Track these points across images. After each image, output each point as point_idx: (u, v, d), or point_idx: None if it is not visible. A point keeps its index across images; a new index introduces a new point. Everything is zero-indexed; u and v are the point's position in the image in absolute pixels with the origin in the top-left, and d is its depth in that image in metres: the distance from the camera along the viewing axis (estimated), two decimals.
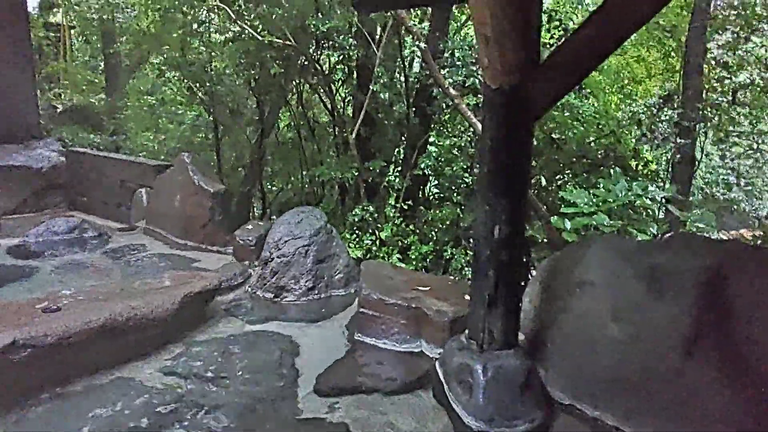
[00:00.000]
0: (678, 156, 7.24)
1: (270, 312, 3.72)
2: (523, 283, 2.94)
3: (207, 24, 7.28)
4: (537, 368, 2.54)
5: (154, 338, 3.13)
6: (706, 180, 10.21)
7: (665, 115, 7.51)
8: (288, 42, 6.04)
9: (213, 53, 7.66)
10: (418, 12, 7.32)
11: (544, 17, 6.51)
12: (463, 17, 8.00)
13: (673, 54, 9.91)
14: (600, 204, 4.54)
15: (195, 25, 6.94)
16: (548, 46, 6.18)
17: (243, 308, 3.78)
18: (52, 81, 12.31)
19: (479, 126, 4.64)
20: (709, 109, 7.51)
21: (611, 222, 4.40)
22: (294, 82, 7.73)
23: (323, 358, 3.07)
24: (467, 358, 2.44)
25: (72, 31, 13.38)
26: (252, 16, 6.20)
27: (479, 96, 5.55)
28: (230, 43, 7.25)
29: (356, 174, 6.25)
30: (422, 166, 6.16)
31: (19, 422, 2.38)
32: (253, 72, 7.25)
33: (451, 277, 4.30)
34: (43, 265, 4.45)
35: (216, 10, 6.64)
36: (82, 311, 2.93)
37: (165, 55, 7.90)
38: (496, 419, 2.22)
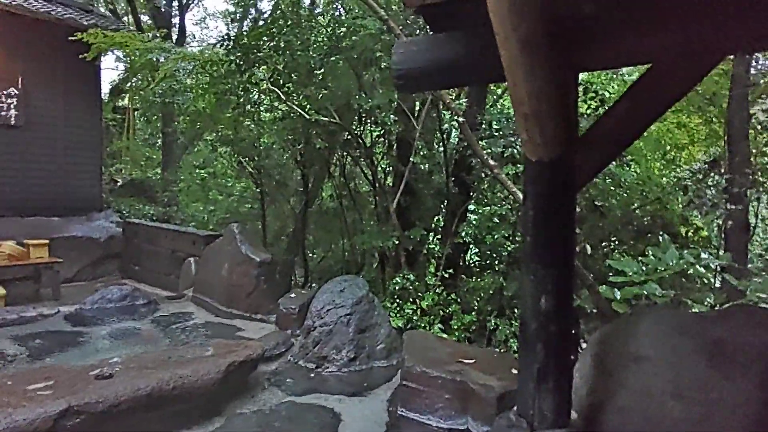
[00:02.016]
0: (730, 222, 6.96)
1: (311, 383, 3.69)
2: (573, 357, 2.82)
3: (258, 104, 7.84)
4: None
5: (198, 408, 3.14)
6: (766, 246, 9.70)
7: (712, 181, 7.33)
8: (333, 119, 6.41)
9: (262, 130, 8.18)
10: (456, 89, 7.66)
11: (580, 89, 6.69)
12: (500, 90, 8.29)
13: (714, 119, 9.81)
14: (650, 273, 4.38)
15: (248, 106, 7.48)
16: (585, 116, 6.28)
17: (285, 378, 3.76)
18: (114, 157, 13.35)
19: (519, 195, 4.69)
20: (759, 174, 7.29)
21: (663, 292, 4.22)
22: (337, 155, 8.09)
23: None
24: None
25: (135, 113, 14.65)
26: (300, 96, 6.66)
27: (518, 165, 5.63)
28: (279, 121, 7.74)
29: (396, 243, 6.32)
30: (462, 234, 6.18)
31: None
32: (299, 147, 7.66)
33: (497, 350, 4.17)
34: (97, 332, 4.63)
35: (267, 92, 7.17)
36: (131, 378, 3.00)
37: (218, 133, 8.49)
38: None
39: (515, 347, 4.68)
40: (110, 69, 16.26)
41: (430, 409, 3.06)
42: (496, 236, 5.75)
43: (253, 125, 8.17)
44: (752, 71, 7.70)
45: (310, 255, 10.11)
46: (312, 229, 9.77)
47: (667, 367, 2.36)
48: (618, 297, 4.33)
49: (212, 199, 11.32)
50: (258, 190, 9.19)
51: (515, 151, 5.75)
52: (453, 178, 6.97)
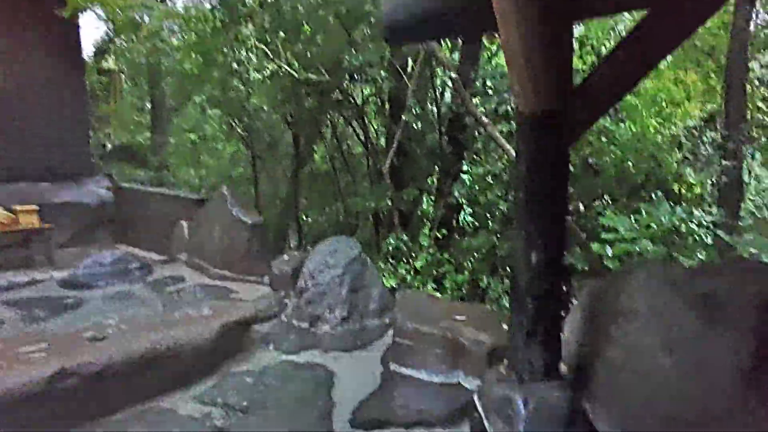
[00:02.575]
0: (724, 179, 6.95)
1: (305, 341, 3.72)
2: (563, 313, 2.84)
3: (246, 63, 7.62)
4: (581, 401, 2.42)
5: (192, 368, 3.17)
6: (756, 203, 9.74)
7: (708, 137, 7.27)
8: (323, 77, 6.24)
9: (251, 90, 7.98)
10: (449, 43, 7.45)
11: (576, 44, 6.51)
12: (494, 47, 8.08)
13: (712, 75, 9.65)
14: (642, 230, 4.39)
15: (234, 65, 7.27)
16: (581, 72, 6.14)
17: (279, 338, 3.79)
18: (103, 122, 13.07)
19: (513, 153, 4.62)
20: (755, 129, 7.22)
21: (655, 248, 4.23)
22: (328, 116, 7.94)
23: (358, 390, 3.03)
24: (507, 390, 2.35)
25: (122, 75, 14.26)
26: (288, 54, 6.46)
27: (512, 123, 5.54)
28: (267, 81, 7.55)
29: (390, 204, 6.28)
30: (456, 194, 6.14)
31: None
32: (288, 107, 7.50)
33: (488, 307, 4.20)
34: (91, 296, 4.63)
35: (254, 50, 6.95)
36: (125, 341, 3.01)
37: (206, 94, 8.28)
38: None
39: (507, 305, 4.72)
40: (93, 29, 15.65)
41: (422, 364, 3.10)
42: (489, 196, 5.72)
43: (241, 85, 7.96)
44: (752, 23, 7.51)
45: (304, 218, 10.09)
46: (305, 192, 9.72)
47: (657, 322, 2.37)
48: (609, 254, 4.34)
49: (203, 163, 11.19)
50: (249, 152, 9.06)
51: (509, 108, 5.65)
52: (446, 138, 6.87)
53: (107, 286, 5.05)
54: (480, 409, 2.53)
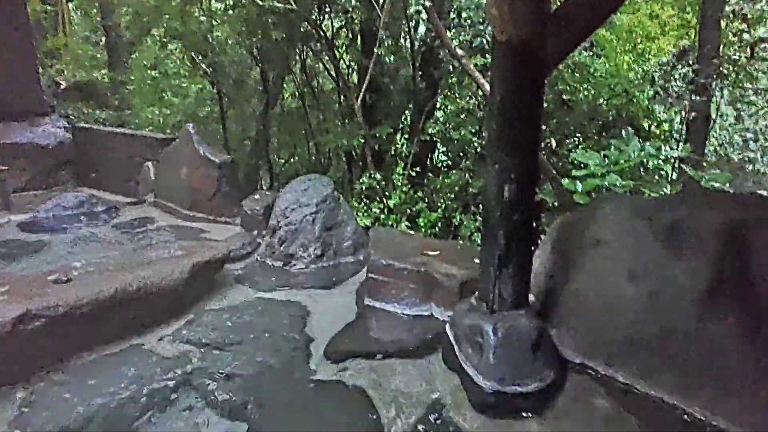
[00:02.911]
0: (692, 114, 7.03)
1: (279, 280, 3.72)
2: (533, 246, 2.89)
3: None
4: (548, 328, 2.52)
5: (165, 308, 3.15)
6: (721, 142, 9.97)
7: (679, 73, 7.27)
8: (289, 6, 5.87)
9: (214, 21, 7.49)
10: None
11: None
12: None
13: (689, 9, 9.52)
14: (612, 165, 4.43)
15: None
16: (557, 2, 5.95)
17: (252, 277, 3.78)
18: (53, 57, 12.17)
19: (488, 87, 4.52)
20: (726, 65, 7.24)
21: (623, 183, 4.30)
22: (297, 50, 7.57)
23: (334, 324, 3.08)
24: (478, 320, 2.41)
25: (70, 4, 13.16)
26: None
27: (487, 56, 5.39)
28: (231, 11, 7.08)
29: (363, 141, 6.16)
30: (430, 131, 6.05)
31: (35, 393, 2.41)
32: (255, 40, 7.10)
33: (461, 242, 4.26)
34: (54, 240, 4.48)
35: None
36: (92, 282, 2.94)
37: (165, 26, 7.74)
38: (507, 378, 2.21)
39: (479, 241, 4.81)
40: None
41: (396, 298, 3.15)
42: (463, 132, 5.66)
43: (203, 16, 7.46)
44: None
45: (275, 159, 9.86)
46: (275, 132, 9.43)
47: (623, 250, 2.44)
48: (580, 189, 4.39)
49: (167, 102, 10.66)
50: (215, 90, 8.64)
51: (485, 41, 5.47)
52: (420, 73, 6.68)
53: (72, 229, 4.88)
54: (451, 338, 2.61)
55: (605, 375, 2.35)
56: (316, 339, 2.94)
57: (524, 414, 2.20)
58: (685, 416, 2.09)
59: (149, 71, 10.68)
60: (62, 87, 10.77)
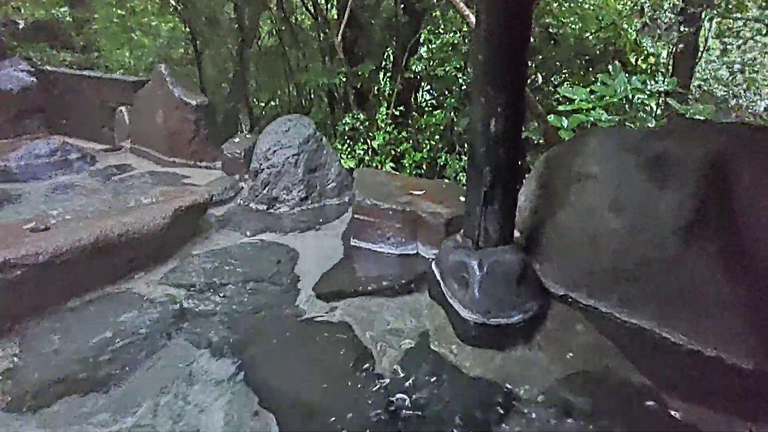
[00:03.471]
0: (680, 47, 6.90)
1: (264, 223, 3.69)
2: (519, 182, 2.88)
3: None
4: (532, 262, 2.55)
5: (150, 253, 3.12)
6: (705, 77, 9.88)
7: (669, 2, 7.05)
8: None
9: None
10: None
11: None
12: None
13: None
14: (598, 100, 4.37)
15: None
16: None
17: (237, 221, 3.74)
18: None
19: (473, 19, 4.33)
20: None
21: (609, 118, 4.26)
22: None
23: (321, 265, 3.09)
24: (463, 256, 2.43)
25: None
26: None
27: None
28: None
29: (344, 80, 5.96)
30: (414, 68, 5.86)
31: (21, 341, 2.40)
32: None
33: (446, 180, 4.23)
34: (29, 189, 4.36)
35: None
36: (72, 230, 2.87)
37: None
38: (493, 311, 2.26)
39: (464, 180, 4.79)
40: None
41: (382, 238, 3.16)
42: (448, 68, 5.49)
43: None
44: None
45: (255, 102, 9.54)
46: (254, 73, 9.06)
47: (608, 184, 2.44)
48: (565, 125, 4.35)
49: (138, 43, 10.10)
50: (188, 29, 8.19)
51: None
52: (402, 6, 6.37)
53: (47, 178, 4.75)
54: (437, 275, 2.64)
55: (587, 305, 2.41)
56: (303, 279, 2.96)
57: (508, 344, 2.27)
58: (662, 341, 2.17)
59: (114, 8, 10.02)
60: (20, 26, 10.10)
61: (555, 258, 2.58)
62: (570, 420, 1.87)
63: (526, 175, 3.20)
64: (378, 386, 2.07)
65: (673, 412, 1.89)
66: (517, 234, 2.73)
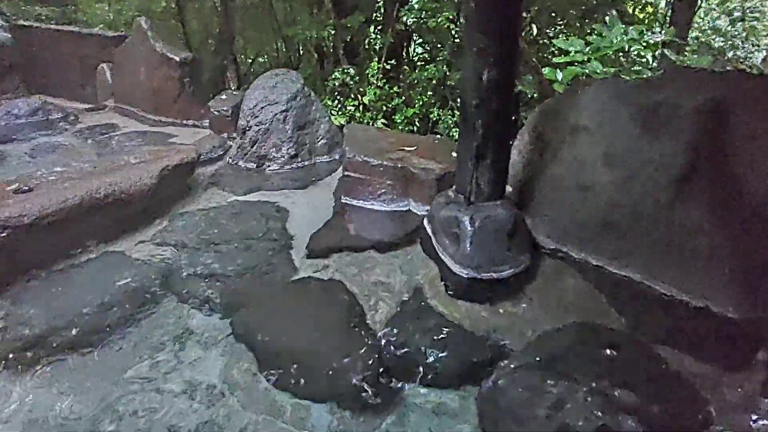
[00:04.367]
0: None
1: (254, 182, 3.64)
2: (511, 136, 2.83)
3: None
4: (524, 217, 2.54)
5: (138, 213, 3.08)
6: (704, 28, 9.66)
7: None
8: None
9: None
10: None
11: None
12: None
13: None
14: (594, 51, 4.26)
15: None
16: None
17: (226, 180, 3.69)
18: None
19: None
20: None
21: (605, 70, 4.17)
22: None
23: (312, 222, 3.07)
24: (455, 211, 2.41)
25: None
26: None
27: None
28: None
29: (333, 33, 5.76)
30: (405, 20, 5.66)
31: (11, 303, 2.38)
32: None
33: (438, 136, 4.16)
34: (10, 149, 4.25)
35: None
36: (56, 191, 2.82)
37: None
38: (484, 265, 2.26)
39: (457, 136, 4.71)
40: None
41: (373, 195, 3.13)
42: (440, 19, 5.29)
43: None
44: None
45: (242, 58, 9.23)
46: (240, 28, 8.73)
47: (602, 136, 2.40)
48: (560, 78, 4.24)
49: None
50: None
51: None
52: None
53: (29, 138, 4.62)
54: (429, 231, 2.63)
55: (577, 258, 2.42)
56: (295, 237, 2.94)
57: (499, 298, 2.28)
58: (652, 292, 2.19)
59: None
60: None
61: (547, 212, 2.57)
62: (558, 370, 1.90)
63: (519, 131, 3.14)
64: (369, 340, 2.09)
65: (659, 361, 1.93)
66: (509, 189, 2.71)
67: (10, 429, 1.79)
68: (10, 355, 2.08)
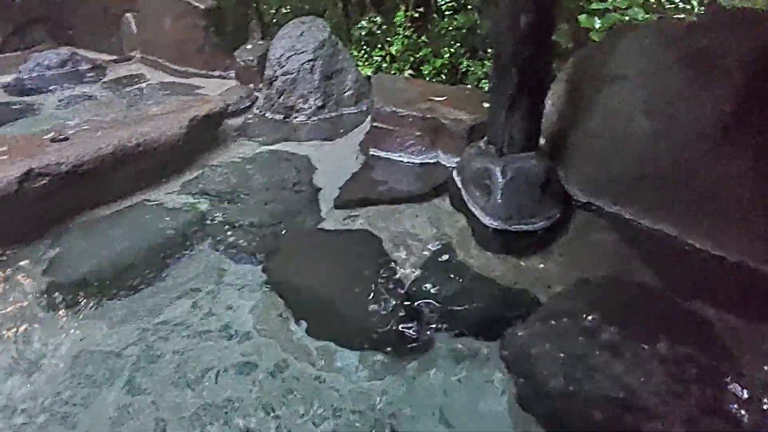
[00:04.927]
0: None
1: (281, 133, 3.63)
2: (546, 85, 2.72)
3: None
4: (557, 169, 2.49)
5: (168, 163, 3.12)
6: None
7: None
8: None
9: None
10: None
11: None
12: None
13: None
14: None
15: None
16: None
17: (253, 131, 3.69)
18: None
19: None
20: None
21: (646, 17, 3.94)
22: None
23: (340, 174, 3.07)
24: (486, 162, 2.37)
25: None
26: None
27: None
28: None
29: None
30: None
31: (53, 249, 2.48)
32: None
33: (468, 86, 4.04)
34: (43, 100, 4.33)
35: None
36: (90, 140, 2.87)
37: None
38: (515, 217, 2.24)
39: (487, 87, 4.55)
40: None
41: (401, 147, 3.09)
42: None
43: None
44: None
45: (265, 8, 9.02)
46: None
47: (642, 84, 2.30)
48: (598, 26, 4.04)
49: None
50: None
51: None
52: None
53: (60, 89, 4.68)
54: (458, 183, 2.60)
55: (610, 212, 2.38)
56: (322, 189, 2.95)
57: (529, 250, 2.27)
58: (686, 247, 2.15)
59: None
60: None
61: (580, 164, 2.51)
62: (587, 321, 1.90)
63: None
64: (398, 290, 2.12)
65: (691, 315, 1.91)
66: (542, 141, 2.64)
67: (60, 362, 1.91)
68: (56, 296, 2.19)
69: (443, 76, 5.46)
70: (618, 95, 2.37)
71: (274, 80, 3.77)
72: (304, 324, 2.05)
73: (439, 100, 3.15)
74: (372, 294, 2.10)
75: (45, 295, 2.20)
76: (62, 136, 2.90)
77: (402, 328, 1.95)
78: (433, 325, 2.02)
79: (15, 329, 2.05)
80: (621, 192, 2.34)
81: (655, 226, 2.24)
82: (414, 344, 1.95)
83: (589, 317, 1.86)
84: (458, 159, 2.77)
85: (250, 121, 3.84)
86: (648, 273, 2.14)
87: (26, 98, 4.41)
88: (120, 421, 1.69)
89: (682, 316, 1.95)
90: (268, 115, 3.83)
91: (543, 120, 2.52)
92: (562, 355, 1.74)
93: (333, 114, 3.78)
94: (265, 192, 2.91)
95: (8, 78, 4.90)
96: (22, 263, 2.39)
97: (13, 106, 4.21)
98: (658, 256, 2.19)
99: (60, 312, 2.13)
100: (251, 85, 4.35)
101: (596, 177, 2.43)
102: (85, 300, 2.18)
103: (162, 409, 1.73)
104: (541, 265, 2.22)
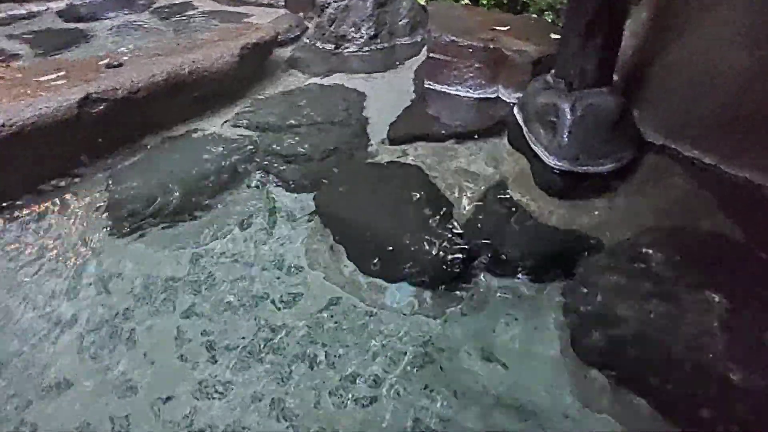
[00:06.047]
0: None
1: (332, 64, 3.50)
2: (626, 13, 2.45)
3: None
4: (631, 107, 2.28)
5: (219, 92, 3.08)
6: None
7: None
8: None
9: None
10: None
11: None
12: None
13: None
14: None
15: None
16: None
17: (304, 61, 3.57)
18: None
19: None
20: None
21: None
22: None
23: (392, 107, 2.95)
24: (554, 98, 2.20)
25: None
26: None
27: None
28: None
29: None
30: None
31: (111, 176, 2.52)
32: None
33: (534, 16, 3.73)
34: (95, 27, 4.32)
35: None
36: (144, 66, 2.85)
37: None
38: (582, 158, 2.10)
39: (550, 19, 4.19)
40: None
41: (459, 80, 2.92)
42: None
43: None
44: None
45: None
46: None
47: (743, 11, 2.01)
48: None
49: None
50: None
51: None
52: None
53: (112, 17, 4.65)
54: (520, 119, 2.44)
55: (688, 156, 2.18)
56: (374, 123, 2.86)
57: (594, 193, 2.13)
58: None
59: None
60: None
61: (658, 103, 2.28)
62: (652, 271, 1.78)
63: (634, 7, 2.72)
64: (451, 228, 2.06)
65: None
66: (615, 77, 2.41)
67: (121, 285, 1.99)
68: (115, 223, 2.25)
69: (502, 6, 5.08)
70: (712, 22, 2.09)
71: (326, 8, 3.59)
72: (354, 258, 2.03)
73: (502, 30, 2.92)
74: (424, 231, 2.04)
75: (104, 221, 2.26)
76: (117, 62, 2.90)
77: (454, 267, 1.90)
78: (487, 266, 1.96)
79: (76, 254, 2.13)
80: (703, 135, 2.13)
81: (739, 173, 2.04)
82: (466, 284, 1.91)
83: (655, 267, 1.74)
84: (521, 94, 2.59)
85: (300, 51, 3.71)
86: (725, 224, 1.97)
87: (79, 25, 4.41)
88: (177, 343, 1.76)
89: (758, 268, 1.80)
90: (319, 45, 3.69)
91: (619, 53, 2.29)
92: (620, 302, 1.65)
93: (386, 44, 3.60)
94: (315, 125, 2.84)
95: (62, 4, 4.90)
96: (80, 190, 2.45)
97: (69, 33, 4.22)
98: (739, 205, 2.01)
99: (119, 238, 2.19)
100: (301, 14, 4.17)
101: (675, 117, 2.21)
102: (142, 227, 2.23)
103: (216, 333, 1.78)
104: (607, 210, 2.09)
